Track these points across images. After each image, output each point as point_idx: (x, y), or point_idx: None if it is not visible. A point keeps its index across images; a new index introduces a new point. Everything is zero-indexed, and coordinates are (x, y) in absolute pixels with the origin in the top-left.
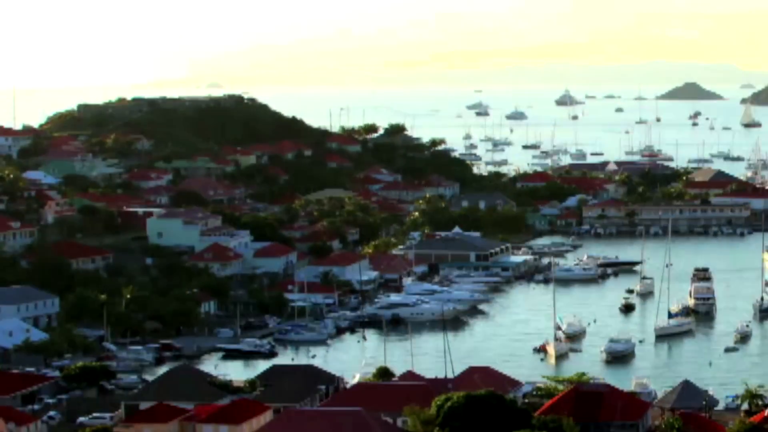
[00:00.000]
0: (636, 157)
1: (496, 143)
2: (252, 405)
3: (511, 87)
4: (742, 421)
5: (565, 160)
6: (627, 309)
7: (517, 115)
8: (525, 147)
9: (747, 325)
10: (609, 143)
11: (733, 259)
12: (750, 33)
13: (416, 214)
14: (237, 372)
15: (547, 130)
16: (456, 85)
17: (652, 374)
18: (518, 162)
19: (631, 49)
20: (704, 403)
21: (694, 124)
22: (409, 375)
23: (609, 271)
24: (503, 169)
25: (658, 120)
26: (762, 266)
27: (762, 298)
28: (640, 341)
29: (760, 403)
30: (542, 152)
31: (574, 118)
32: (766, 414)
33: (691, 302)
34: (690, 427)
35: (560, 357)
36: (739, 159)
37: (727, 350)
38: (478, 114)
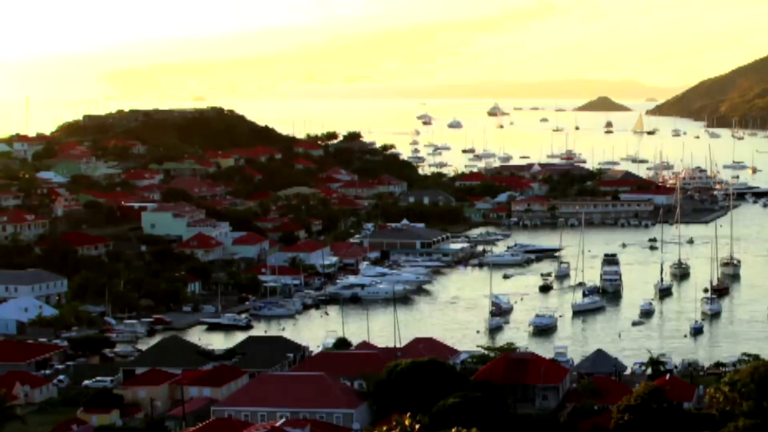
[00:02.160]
0: (557, 160)
1: (437, 148)
2: (231, 370)
3: (450, 100)
4: (647, 384)
5: (496, 162)
6: (544, 289)
7: (455, 124)
8: (464, 151)
9: (650, 303)
10: (533, 147)
11: (639, 247)
12: (652, 53)
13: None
14: (218, 342)
15: (480, 136)
16: (404, 98)
17: (570, 344)
18: (456, 164)
19: (553, 69)
20: (614, 368)
21: (608, 132)
22: (364, 345)
23: (533, 256)
24: (444, 170)
25: (577, 128)
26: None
27: (662, 280)
28: (560, 316)
29: (661, 368)
30: (475, 156)
31: (501, 127)
32: (667, 378)
33: (600, 283)
34: (602, 389)
35: (493, 330)
36: (643, 161)
37: (634, 324)
38: (424, 123)
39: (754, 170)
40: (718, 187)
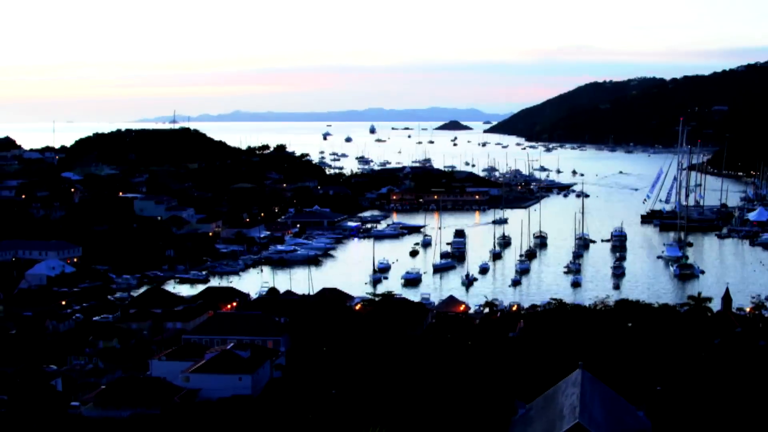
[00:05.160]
0: (420, 164)
1: (337, 155)
2: (195, 310)
3: (346, 122)
4: (484, 319)
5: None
6: (413, 254)
7: (348, 139)
8: (356, 158)
9: (487, 263)
10: (405, 156)
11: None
12: (489, 87)
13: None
14: (186, 291)
15: (366, 147)
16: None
17: (432, 292)
18: (351, 166)
19: (418, 98)
20: (462, 308)
21: (454, 145)
22: (288, 293)
23: (405, 231)
24: (343, 171)
25: (431, 142)
26: (494, 228)
27: (494, 246)
28: (424, 273)
29: (494, 309)
30: (364, 161)
31: (380, 141)
32: (498, 315)
33: (451, 249)
34: (453, 323)
35: (375, 282)
36: (475, 165)
37: (476, 279)
38: (325, 138)
39: (558, 171)
40: (533, 183)
